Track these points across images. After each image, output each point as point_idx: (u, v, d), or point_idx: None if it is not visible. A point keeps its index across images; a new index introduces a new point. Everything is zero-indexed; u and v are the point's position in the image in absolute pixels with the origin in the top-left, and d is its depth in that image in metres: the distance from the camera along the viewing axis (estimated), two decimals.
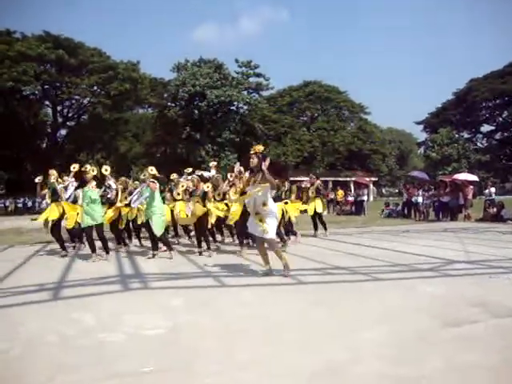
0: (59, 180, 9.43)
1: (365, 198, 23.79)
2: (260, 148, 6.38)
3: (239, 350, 3.38)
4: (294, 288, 5.69)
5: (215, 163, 11.37)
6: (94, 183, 8.46)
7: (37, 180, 9.58)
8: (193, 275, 6.64)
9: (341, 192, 26.34)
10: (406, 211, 20.03)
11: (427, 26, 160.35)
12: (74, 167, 9.26)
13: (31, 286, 5.92)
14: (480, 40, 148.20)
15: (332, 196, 26.79)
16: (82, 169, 8.65)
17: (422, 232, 12.78)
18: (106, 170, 9.43)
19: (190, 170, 10.74)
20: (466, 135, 60.93)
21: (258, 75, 46.84)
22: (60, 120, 43.84)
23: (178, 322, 4.15)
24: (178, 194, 9.78)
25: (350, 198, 25.08)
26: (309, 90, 58.84)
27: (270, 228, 6.13)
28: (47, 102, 42.99)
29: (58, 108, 43.02)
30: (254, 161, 6.27)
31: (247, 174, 7.21)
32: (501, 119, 59.72)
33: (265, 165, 6.18)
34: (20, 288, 5.84)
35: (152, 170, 8.68)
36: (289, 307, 4.64)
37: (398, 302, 4.72)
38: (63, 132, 46.07)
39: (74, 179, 9.33)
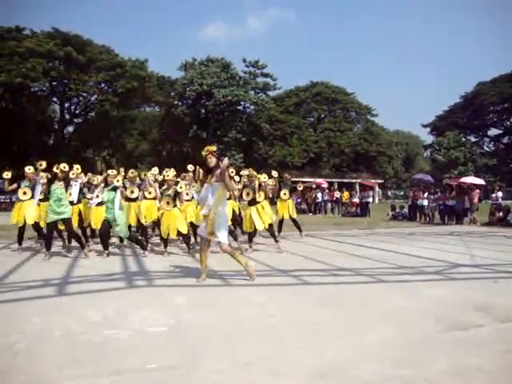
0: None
1: (370, 199, 23.78)
2: (213, 148, 6.29)
3: (244, 349, 3.39)
4: (298, 288, 5.70)
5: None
6: (62, 182, 8.55)
7: (5, 175, 9.60)
8: (198, 274, 6.65)
9: (346, 193, 26.31)
10: (411, 214, 20.00)
11: (435, 28, 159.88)
12: (41, 164, 9.21)
13: (37, 282, 5.96)
14: (488, 43, 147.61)
15: (337, 196, 26.79)
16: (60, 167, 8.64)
17: (428, 235, 12.75)
18: (64, 166, 8.92)
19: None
20: (473, 139, 60.64)
21: (266, 75, 46.82)
22: (67, 117, 44.02)
23: (182, 320, 4.17)
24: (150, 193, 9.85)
25: (356, 200, 25.04)
26: (316, 91, 58.64)
27: (220, 232, 5.95)
28: (55, 99, 43.14)
29: (66, 105, 43.19)
30: (213, 160, 6.14)
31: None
32: (508, 123, 59.41)
33: (225, 165, 6.12)
34: (26, 283, 5.88)
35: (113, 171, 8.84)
36: (294, 307, 4.66)
37: (402, 304, 4.73)
38: (70, 129, 46.29)
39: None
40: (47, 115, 44.77)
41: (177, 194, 8.83)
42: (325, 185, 28.97)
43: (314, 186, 27.96)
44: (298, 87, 60.52)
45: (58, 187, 8.38)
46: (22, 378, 2.93)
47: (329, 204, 27.38)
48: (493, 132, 61.53)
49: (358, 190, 29.38)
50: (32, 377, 2.93)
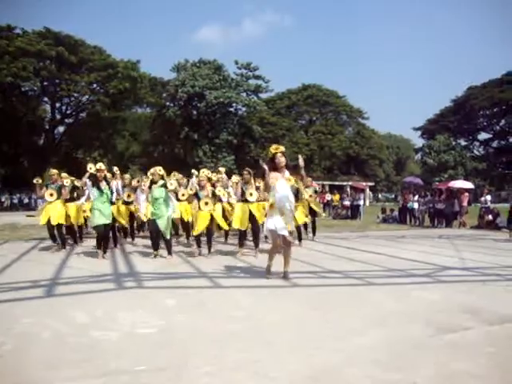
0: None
1: (361, 202, 23.81)
2: (283, 148, 6.34)
3: (233, 351, 3.39)
4: (289, 291, 5.70)
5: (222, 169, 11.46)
6: (104, 183, 8.51)
7: (35, 181, 9.71)
8: (188, 275, 6.65)
9: (337, 196, 26.34)
10: (401, 217, 20.09)
11: (427, 33, 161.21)
12: (91, 168, 9.27)
13: (25, 282, 5.91)
14: (479, 48, 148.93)
15: (329, 198, 26.84)
16: (94, 168, 8.72)
17: (417, 238, 12.81)
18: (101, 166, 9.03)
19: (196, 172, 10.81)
20: (463, 142, 61.18)
21: (258, 77, 46.91)
22: (58, 117, 43.71)
23: (172, 322, 4.16)
24: (183, 195, 9.93)
25: (346, 203, 25.09)
26: (308, 94, 58.87)
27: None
28: (46, 99, 42.85)
29: (57, 105, 42.91)
30: (283, 159, 6.19)
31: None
32: (498, 127, 59.99)
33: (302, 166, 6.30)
34: (14, 284, 5.83)
35: (160, 170, 8.74)
36: (283, 310, 4.65)
37: (391, 307, 4.74)
38: (61, 129, 45.93)
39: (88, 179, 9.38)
40: (38, 115, 44.43)
41: (214, 195, 8.84)
42: (317, 187, 28.96)
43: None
44: (290, 90, 60.72)
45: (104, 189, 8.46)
46: (10, 379, 2.91)
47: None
48: (483, 136, 62.27)
49: (348, 192, 29.38)
50: (20, 378, 2.91)
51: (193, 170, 10.95)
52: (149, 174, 9.09)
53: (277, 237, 6.13)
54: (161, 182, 8.47)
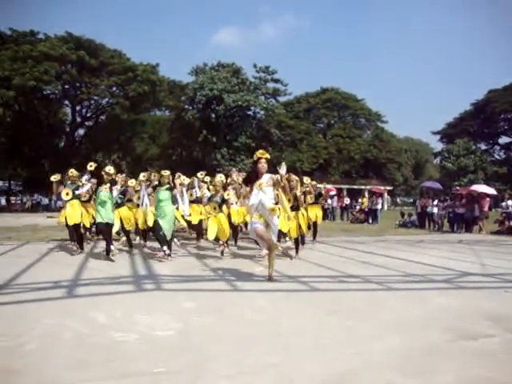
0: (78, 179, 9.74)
1: (379, 206, 23.60)
2: (267, 155, 6.47)
3: (251, 355, 3.39)
4: (307, 295, 5.69)
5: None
6: (108, 185, 8.54)
7: (52, 178, 9.77)
8: (206, 278, 6.68)
9: (365, 199, 26.00)
10: (420, 221, 19.88)
11: (447, 37, 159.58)
12: (91, 165, 9.36)
13: (47, 283, 6.00)
14: (500, 50, 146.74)
15: (347, 202, 26.69)
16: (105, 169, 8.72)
17: (437, 243, 12.68)
18: (110, 169, 8.85)
19: (204, 173, 10.94)
20: (483, 146, 60.27)
21: (276, 81, 46.88)
22: (78, 120, 44.21)
23: (190, 325, 4.18)
24: (191, 195, 10.06)
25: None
26: (326, 97, 58.75)
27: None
28: (67, 102, 43.36)
29: (77, 108, 43.39)
30: (266, 165, 6.37)
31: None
32: None
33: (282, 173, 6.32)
34: (36, 284, 5.93)
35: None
36: (301, 314, 4.65)
37: (411, 312, 4.70)
38: (81, 132, 46.43)
39: (90, 176, 9.48)
40: (59, 118, 45.07)
41: (224, 200, 8.98)
42: (333, 192, 28.73)
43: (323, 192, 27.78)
44: (308, 93, 60.65)
45: (102, 190, 8.48)
46: (31, 378, 2.95)
47: (338, 210, 27.30)
48: (504, 140, 61.21)
49: (367, 196, 29.18)
50: (40, 378, 2.95)
51: (198, 174, 11.02)
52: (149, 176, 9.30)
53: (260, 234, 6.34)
54: (167, 186, 8.64)
